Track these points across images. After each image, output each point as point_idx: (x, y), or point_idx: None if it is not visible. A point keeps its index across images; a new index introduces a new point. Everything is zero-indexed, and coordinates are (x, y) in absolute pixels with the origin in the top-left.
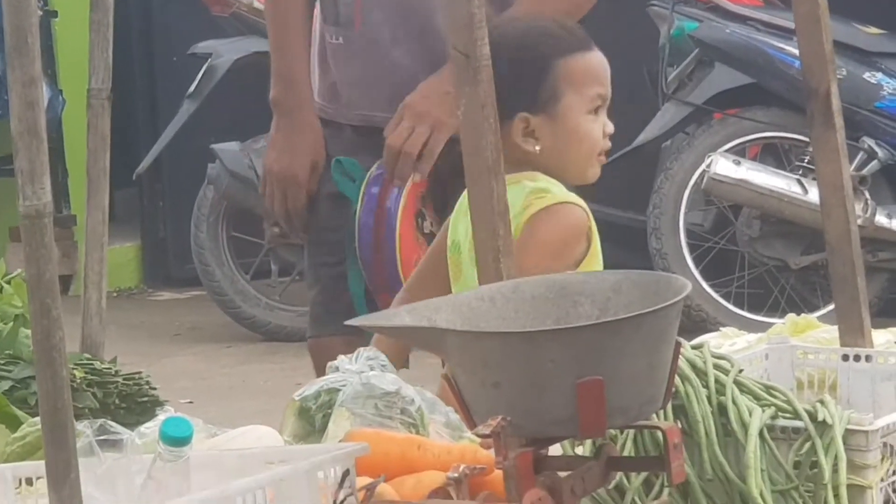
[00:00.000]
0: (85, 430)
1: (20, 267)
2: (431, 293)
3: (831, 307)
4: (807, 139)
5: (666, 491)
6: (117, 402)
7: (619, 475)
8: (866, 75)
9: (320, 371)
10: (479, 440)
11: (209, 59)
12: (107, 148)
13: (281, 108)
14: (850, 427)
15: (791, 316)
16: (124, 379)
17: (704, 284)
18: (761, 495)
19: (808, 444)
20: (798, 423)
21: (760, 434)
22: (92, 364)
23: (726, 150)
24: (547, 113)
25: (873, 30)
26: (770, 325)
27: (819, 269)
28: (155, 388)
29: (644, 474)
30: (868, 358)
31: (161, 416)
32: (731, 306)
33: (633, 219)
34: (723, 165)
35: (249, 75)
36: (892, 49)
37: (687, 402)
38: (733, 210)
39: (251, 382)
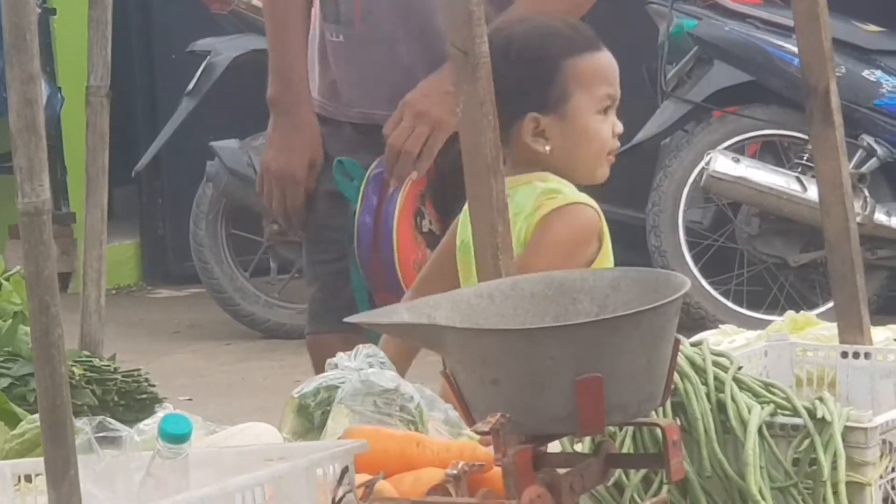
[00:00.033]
0: (84, 427)
1: (19, 264)
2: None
3: (830, 304)
4: (806, 137)
5: (665, 488)
6: (116, 399)
7: (617, 472)
8: (865, 73)
9: (319, 368)
10: (478, 437)
11: (208, 57)
12: (106, 145)
13: (278, 106)
14: (849, 424)
15: (790, 313)
16: (123, 376)
17: (703, 282)
18: (760, 492)
19: (807, 441)
20: (797, 421)
21: (759, 431)
22: (91, 361)
23: (725, 148)
24: (557, 113)
25: (872, 27)
26: (769, 322)
27: (818, 267)
28: (154, 386)
29: (643, 471)
30: (867, 355)
31: (160, 414)
32: (730, 304)
33: (633, 216)
34: (722, 163)
35: (248, 73)
36: (891, 47)
37: (686, 399)
38: (732, 207)
39: (250, 380)
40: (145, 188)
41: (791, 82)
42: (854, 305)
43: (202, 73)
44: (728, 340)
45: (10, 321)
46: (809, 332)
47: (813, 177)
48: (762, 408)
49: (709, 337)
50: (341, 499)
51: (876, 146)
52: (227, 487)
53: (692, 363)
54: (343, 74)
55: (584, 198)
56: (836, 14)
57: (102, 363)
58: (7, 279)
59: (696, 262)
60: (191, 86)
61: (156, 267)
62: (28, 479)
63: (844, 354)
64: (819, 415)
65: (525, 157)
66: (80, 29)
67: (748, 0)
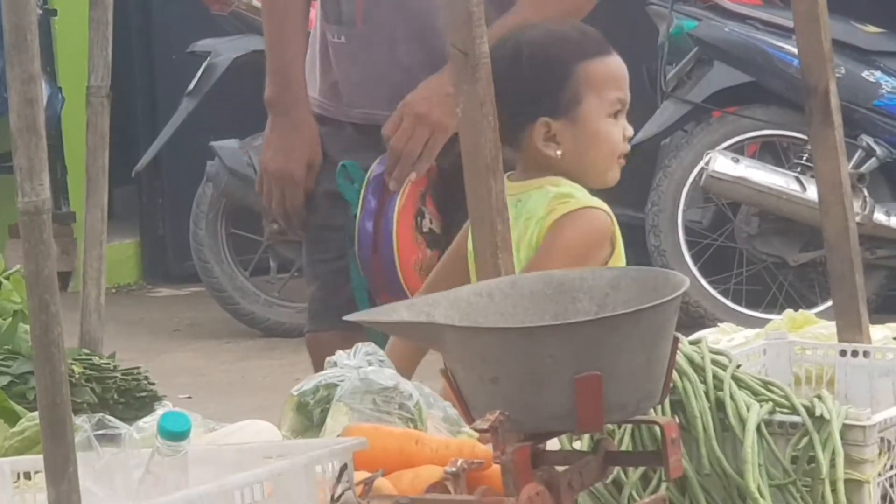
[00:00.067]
0: (83, 424)
1: (19, 263)
2: None
3: (829, 304)
4: (805, 137)
5: (663, 486)
6: (116, 397)
7: (616, 470)
8: (865, 74)
9: (318, 366)
10: (477, 435)
11: (208, 58)
12: (106, 145)
13: (276, 107)
14: (847, 422)
15: (789, 312)
16: (123, 374)
17: (703, 281)
18: (759, 490)
19: (805, 439)
20: (796, 419)
21: (758, 429)
22: (91, 359)
23: (725, 148)
24: (568, 117)
25: (872, 28)
26: (768, 321)
27: (817, 266)
28: (153, 384)
29: (642, 469)
30: (866, 354)
31: (159, 411)
32: (729, 303)
33: (632, 216)
34: (721, 163)
35: (248, 73)
36: (890, 48)
37: (685, 397)
38: (732, 207)
39: (250, 378)
40: (145, 188)
41: (791, 83)
42: (853, 304)
43: (202, 73)
44: (727, 339)
45: (10, 320)
46: (808, 330)
47: (812, 177)
48: (761, 406)
49: (708, 335)
50: (340, 496)
51: (875, 146)
52: (227, 485)
53: (691, 361)
54: (344, 75)
55: (597, 202)
56: (836, 15)
57: (102, 361)
58: (7, 278)
59: (695, 262)
60: (191, 86)
61: (156, 266)
62: (27, 476)
63: (843, 353)
64: (817, 413)
65: (536, 161)
66: (81, 29)
67: (748, 1)
